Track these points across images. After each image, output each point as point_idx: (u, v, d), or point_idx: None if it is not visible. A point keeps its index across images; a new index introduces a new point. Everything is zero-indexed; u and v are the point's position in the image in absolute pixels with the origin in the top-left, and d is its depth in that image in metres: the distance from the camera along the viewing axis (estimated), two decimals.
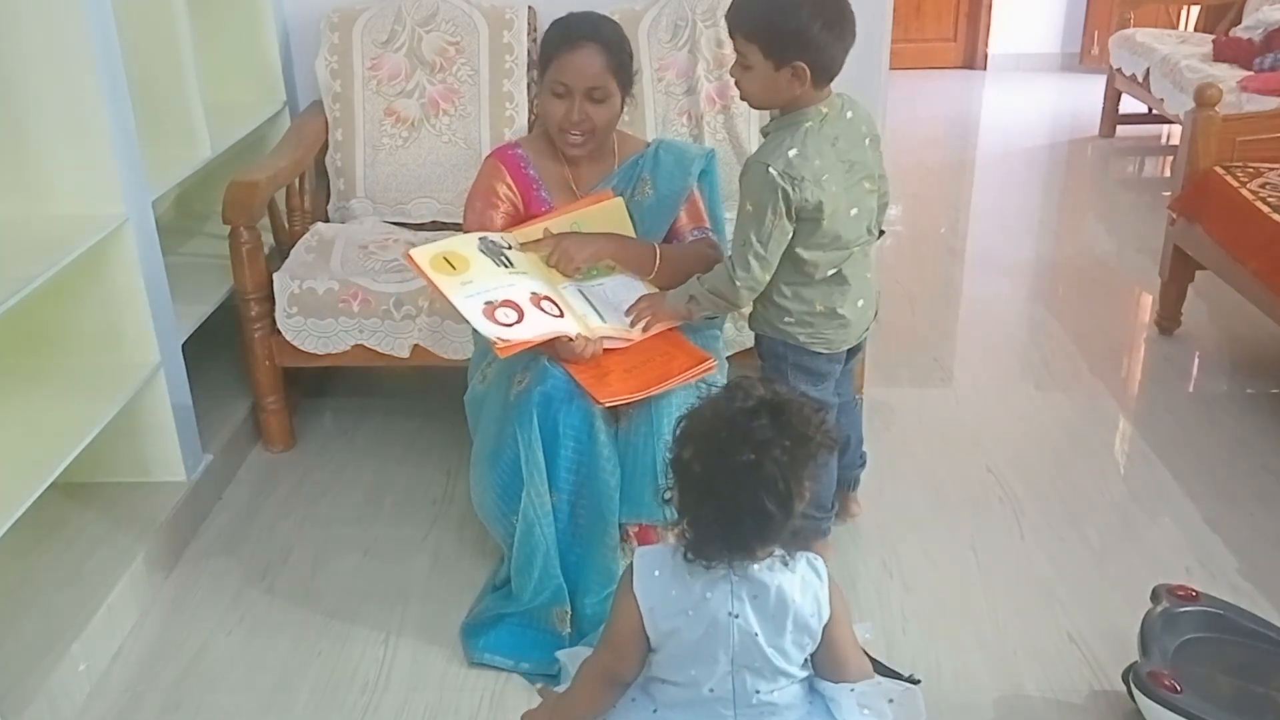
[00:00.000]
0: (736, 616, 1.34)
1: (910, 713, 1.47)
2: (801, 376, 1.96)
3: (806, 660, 1.41)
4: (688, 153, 2.14)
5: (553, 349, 1.87)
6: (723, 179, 2.26)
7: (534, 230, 2.04)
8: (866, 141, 1.90)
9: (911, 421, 2.19)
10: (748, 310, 2.04)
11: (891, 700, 1.45)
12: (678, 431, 1.35)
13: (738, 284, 1.86)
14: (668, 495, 1.35)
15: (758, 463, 1.25)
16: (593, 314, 1.96)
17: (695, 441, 1.30)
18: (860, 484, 2.29)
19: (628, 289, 2.02)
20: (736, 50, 1.81)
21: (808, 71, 1.76)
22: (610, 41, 1.99)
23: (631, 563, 1.40)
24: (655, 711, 1.43)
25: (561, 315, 1.90)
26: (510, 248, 1.98)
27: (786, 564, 1.35)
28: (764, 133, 1.91)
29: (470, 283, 1.88)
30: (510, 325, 1.83)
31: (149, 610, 2.05)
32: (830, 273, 1.89)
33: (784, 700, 1.40)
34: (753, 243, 1.82)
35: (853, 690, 1.43)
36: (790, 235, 1.83)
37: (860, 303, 1.96)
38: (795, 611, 1.35)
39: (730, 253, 1.91)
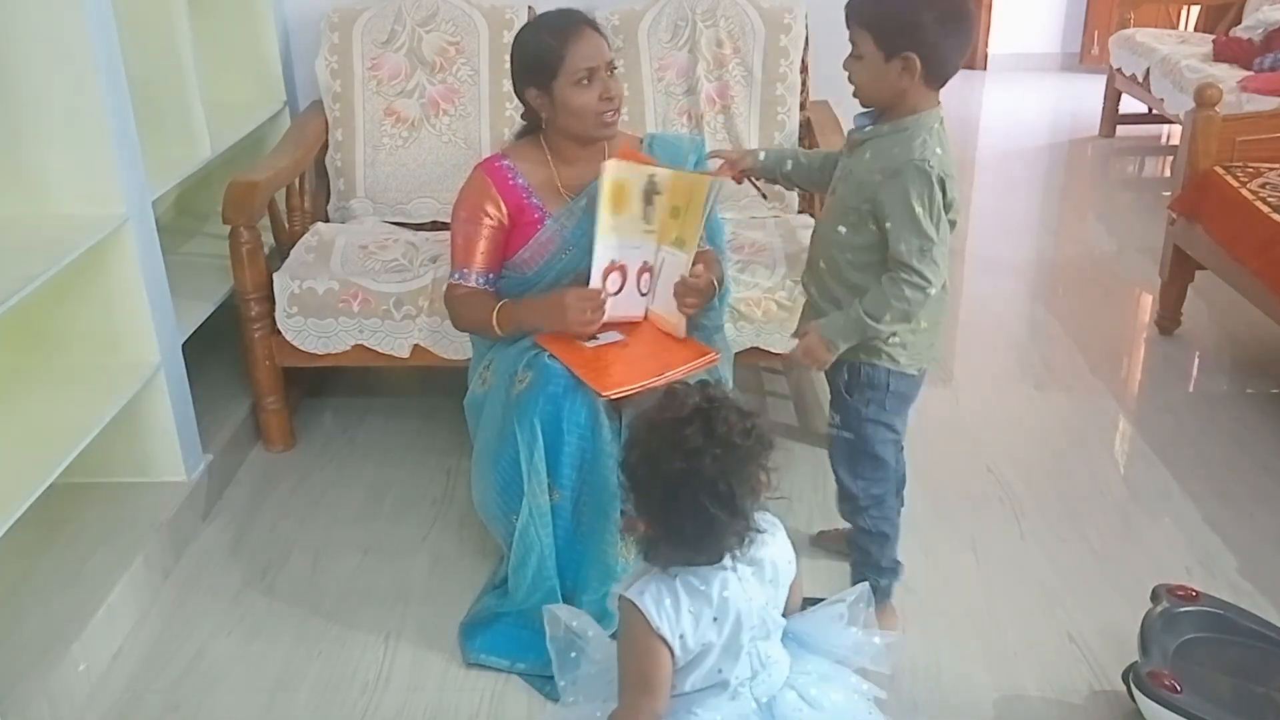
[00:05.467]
0: (751, 599, 1.36)
1: (867, 604, 1.50)
2: (898, 404, 1.90)
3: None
4: (681, 145, 2.16)
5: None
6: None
7: (638, 169, 1.99)
8: None
9: (911, 421, 2.19)
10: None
11: (856, 600, 1.50)
12: (627, 435, 1.35)
13: (929, 288, 1.75)
14: (625, 497, 1.36)
15: (691, 470, 1.27)
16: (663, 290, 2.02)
17: (638, 447, 1.33)
18: None
19: (675, 270, 1.99)
20: (851, 39, 1.78)
21: (918, 65, 1.71)
22: (593, 20, 2.02)
23: (631, 608, 1.33)
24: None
25: (646, 293, 2.02)
26: (661, 193, 1.98)
27: (761, 532, 1.35)
28: (858, 139, 1.81)
29: (618, 230, 1.97)
30: (613, 294, 1.97)
31: (149, 610, 2.06)
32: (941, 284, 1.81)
33: (777, 655, 1.41)
34: (934, 240, 1.73)
35: (814, 611, 1.49)
36: None
37: (942, 319, 1.92)
38: (780, 567, 1.40)
39: (908, 261, 1.73)
